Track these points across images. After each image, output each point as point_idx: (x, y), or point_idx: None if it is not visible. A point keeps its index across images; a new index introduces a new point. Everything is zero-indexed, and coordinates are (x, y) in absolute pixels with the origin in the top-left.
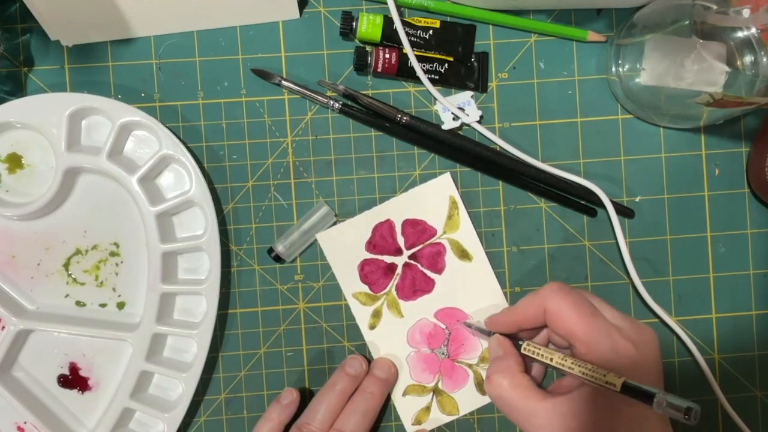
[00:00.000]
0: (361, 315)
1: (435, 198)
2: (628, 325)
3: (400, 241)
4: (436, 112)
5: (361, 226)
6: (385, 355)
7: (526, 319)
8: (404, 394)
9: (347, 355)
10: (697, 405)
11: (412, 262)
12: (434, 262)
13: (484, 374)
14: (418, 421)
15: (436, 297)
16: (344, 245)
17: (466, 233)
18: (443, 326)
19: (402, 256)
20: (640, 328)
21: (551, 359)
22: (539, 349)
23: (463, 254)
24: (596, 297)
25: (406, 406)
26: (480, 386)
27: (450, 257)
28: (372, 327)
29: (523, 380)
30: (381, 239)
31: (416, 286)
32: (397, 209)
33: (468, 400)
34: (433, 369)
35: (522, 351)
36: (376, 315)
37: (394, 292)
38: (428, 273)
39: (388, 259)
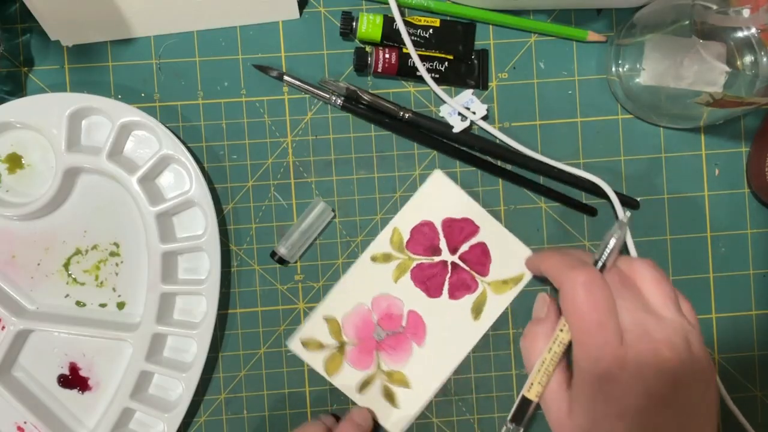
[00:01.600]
0: (380, 242)
1: (514, 262)
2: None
3: (465, 247)
4: (437, 111)
5: (464, 204)
6: (343, 289)
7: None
8: (324, 318)
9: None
10: None
11: (448, 268)
12: (457, 288)
13: (376, 385)
14: (305, 344)
15: (426, 304)
16: (438, 197)
17: (498, 303)
18: (403, 324)
19: (452, 255)
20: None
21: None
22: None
23: (477, 311)
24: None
25: (315, 330)
26: (364, 386)
27: (467, 300)
28: (373, 259)
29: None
30: (458, 230)
31: (429, 282)
32: (492, 232)
33: (345, 381)
34: (360, 334)
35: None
36: (385, 258)
37: (413, 264)
38: (445, 287)
39: (443, 245)
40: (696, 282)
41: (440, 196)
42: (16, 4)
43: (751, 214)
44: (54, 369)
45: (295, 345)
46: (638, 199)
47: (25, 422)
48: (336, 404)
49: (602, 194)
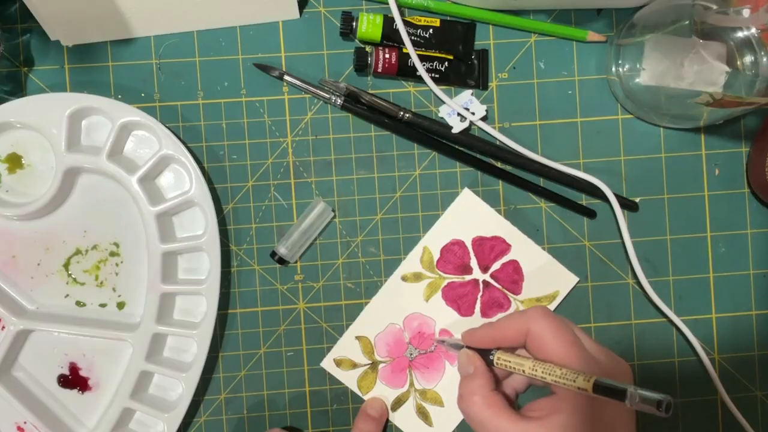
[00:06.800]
0: (411, 262)
1: (547, 280)
2: (605, 358)
3: (496, 266)
4: (436, 111)
5: (494, 223)
6: (375, 309)
7: (506, 337)
8: (356, 337)
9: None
10: (669, 396)
11: (480, 286)
12: (489, 306)
13: (409, 404)
14: (337, 363)
15: (458, 322)
16: (467, 215)
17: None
18: (434, 343)
19: (483, 274)
20: (617, 361)
21: (523, 370)
22: (510, 360)
23: None
24: (577, 327)
25: (348, 349)
26: (398, 404)
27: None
28: (403, 278)
29: (496, 399)
30: (489, 249)
31: (460, 301)
32: (524, 249)
33: (382, 395)
34: (392, 353)
35: (495, 362)
36: (416, 278)
37: (444, 283)
38: (477, 306)
39: (474, 264)
40: (696, 282)
41: (470, 214)
42: (16, 4)
43: (751, 214)
44: (54, 369)
45: (328, 364)
46: (638, 199)
47: (25, 422)
48: (336, 404)
49: (602, 195)
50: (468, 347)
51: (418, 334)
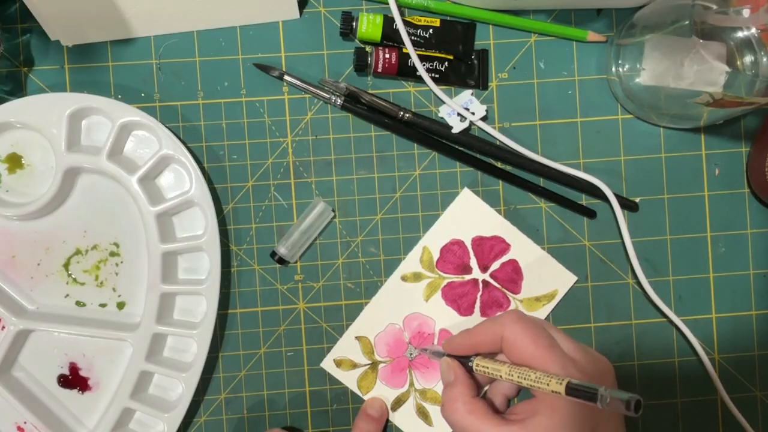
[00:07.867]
0: (410, 262)
1: (546, 279)
2: (583, 357)
3: (496, 265)
4: (437, 111)
5: (494, 222)
6: (374, 309)
7: (483, 343)
8: (356, 337)
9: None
10: (638, 396)
11: (479, 286)
12: (489, 306)
13: (409, 403)
14: (337, 363)
15: (457, 322)
16: (467, 215)
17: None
18: (435, 343)
19: (483, 273)
20: (596, 359)
21: (500, 375)
22: (488, 366)
23: None
24: (554, 327)
25: (348, 349)
26: (398, 404)
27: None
28: (403, 278)
29: (478, 405)
30: (488, 248)
31: (460, 301)
32: (523, 249)
33: (382, 395)
34: (392, 353)
35: (474, 368)
36: (416, 277)
37: (444, 283)
38: (477, 305)
39: (473, 263)
40: (696, 282)
41: (469, 214)
42: (16, 4)
43: (751, 214)
44: (54, 369)
45: (328, 364)
46: (638, 199)
47: (25, 422)
48: (336, 404)
49: (602, 195)
50: (449, 355)
51: (418, 334)
